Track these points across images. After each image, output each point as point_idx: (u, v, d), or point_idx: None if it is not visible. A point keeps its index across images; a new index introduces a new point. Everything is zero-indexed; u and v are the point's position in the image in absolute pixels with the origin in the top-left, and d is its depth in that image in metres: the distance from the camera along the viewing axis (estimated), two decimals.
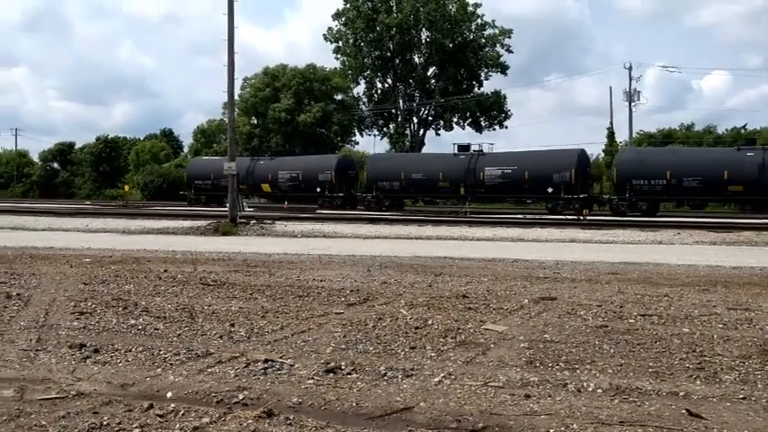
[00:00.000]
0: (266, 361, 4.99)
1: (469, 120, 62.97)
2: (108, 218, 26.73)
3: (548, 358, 5.16)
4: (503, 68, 62.05)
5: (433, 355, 5.29)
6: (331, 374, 4.71)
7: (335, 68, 63.31)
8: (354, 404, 4.11)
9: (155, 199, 54.18)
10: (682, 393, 4.32)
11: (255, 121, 62.51)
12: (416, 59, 63.19)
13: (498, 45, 61.58)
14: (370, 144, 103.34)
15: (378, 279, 9.46)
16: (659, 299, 7.87)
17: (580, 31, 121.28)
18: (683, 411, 3.95)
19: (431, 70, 63.55)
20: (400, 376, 4.68)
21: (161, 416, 3.86)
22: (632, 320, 6.60)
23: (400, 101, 63.41)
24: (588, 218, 27.42)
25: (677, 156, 35.29)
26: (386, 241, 17.92)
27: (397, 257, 12.72)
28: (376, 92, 64.98)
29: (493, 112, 62.58)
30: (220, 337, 5.87)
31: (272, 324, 6.36)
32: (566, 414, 3.92)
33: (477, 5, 60.64)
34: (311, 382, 4.56)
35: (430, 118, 63.93)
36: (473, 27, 61.41)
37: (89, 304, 7.26)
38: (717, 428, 3.71)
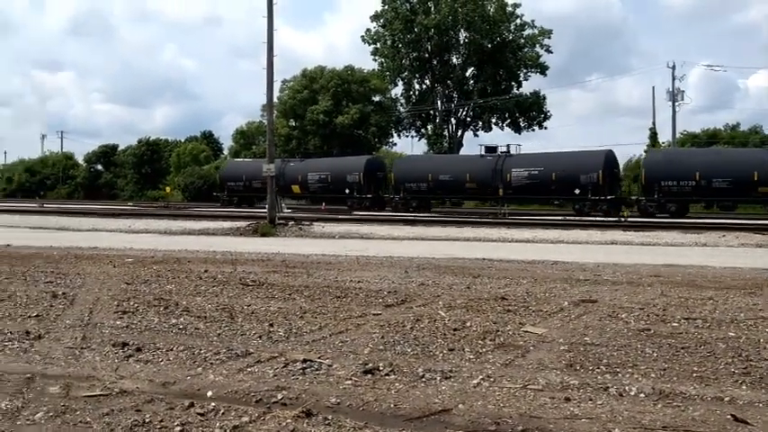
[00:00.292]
0: (305, 361, 5.02)
1: (508, 121, 62.51)
2: (150, 219, 27.16)
3: (588, 361, 5.09)
4: (542, 69, 61.42)
5: (471, 357, 5.26)
6: (369, 375, 4.71)
7: (373, 70, 63.45)
8: (392, 405, 4.10)
9: (195, 200, 54.99)
10: (727, 398, 4.22)
11: (294, 124, 62.92)
12: (454, 60, 62.92)
13: (538, 45, 60.99)
14: (407, 145, 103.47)
15: (415, 280, 9.44)
16: (703, 302, 7.71)
17: (622, 29, 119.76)
18: (729, 417, 3.86)
19: (469, 71, 63.21)
20: (438, 378, 4.66)
21: (201, 414, 3.90)
22: (676, 324, 6.48)
23: (438, 102, 63.22)
24: (629, 219, 27.01)
25: (706, 156, 34.75)
26: (423, 243, 17.89)
27: (435, 259, 12.68)
28: (414, 93, 64.86)
29: (532, 112, 61.99)
30: (259, 336, 5.92)
31: (311, 324, 6.39)
32: (607, 418, 3.86)
33: (516, 5, 60.17)
34: (349, 382, 4.56)
35: (468, 119, 63.60)
36: (512, 27, 60.91)
37: (132, 303, 7.38)
38: None
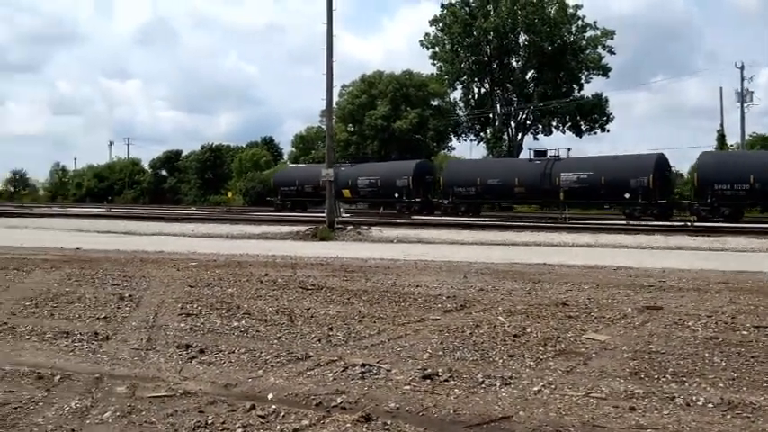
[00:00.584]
0: (364, 365, 5.03)
1: (569, 124, 61.57)
2: (212, 223, 27.71)
3: (653, 370, 4.96)
4: (604, 71, 60.24)
5: (531, 363, 5.19)
6: (428, 380, 4.69)
7: (432, 74, 63.40)
8: (452, 411, 4.07)
9: (255, 205, 55.91)
10: None
11: (352, 129, 63.33)
12: (514, 63, 62.34)
13: (600, 47, 59.91)
14: (466, 149, 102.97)
15: (475, 285, 9.37)
16: None
17: (688, 29, 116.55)
18: None
19: (529, 74, 62.51)
20: (498, 384, 4.61)
21: (262, 417, 3.95)
22: (745, 332, 6.26)
23: (497, 105, 62.73)
24: (696, 224, 26.27)
25: (761, 159, 33.45)
26: (482, 247, 17.76)
27: (495, 264, 12.57)
28: (473, 97, 64.51)
29: (594, 115, 60.93)
30: (319, 340, 5.96)
31: (369, 329, 6.41)
32: (673, 429, 3.76)
33: (577, 7, 59.29)
34: (408, 387, 4.55)
35: (528, 122, 62.92)
36: (573, 29, 60.01)
37: (195, 306, 7.53)
38: None
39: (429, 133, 60.37)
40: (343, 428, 3.76)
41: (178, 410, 4.07)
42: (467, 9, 61.10)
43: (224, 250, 15.52)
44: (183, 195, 76.28)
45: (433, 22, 62.48)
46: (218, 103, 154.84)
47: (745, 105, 52.02)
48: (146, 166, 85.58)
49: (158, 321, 6.73)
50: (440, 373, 4.84)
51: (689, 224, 26.19)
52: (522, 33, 59.68)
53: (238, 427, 3.81)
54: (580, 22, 59.83)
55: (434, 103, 62.64)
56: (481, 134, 64.88)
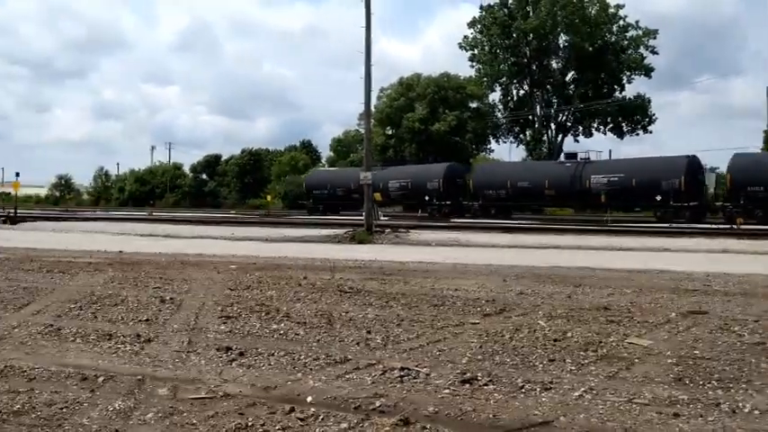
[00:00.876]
0: (402, 369, 5.01)
1: (610, 125, 60.75)
2: (251, 226, 27.98)
3: (698, 376, 4.86)
4: (647, 71, 59.23)
5: (572, 368, 5.12)
6: (467, 385, 4.66)
7: (470, 76, 63.14)
8: (491, 416, 4.04)
9: (294, 208, 56.33)
10: None
11: (390, 131, 63.39)
12: (554, 64, 61.76)
13: (642, 47, 58.97)
14: (505, 152, 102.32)
15: (514, 289, 9.29)
16: None
17: (733, 28, 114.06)
18: None
19: (569, 75, 61.87)
20: (538, 389, 4.56)
21: (302, 419, 3.97)
22: None
23: (537, 107, 62.20)
24: (742, 227, 25.68)
25: None
26: (522, 250, 17.60)
27: (535, 267, 12.45)
28: (511, 99, 64.10)
29: (636, 116, 60.00)
30: (357, 343, 5.96)
31: (408, 332, 6.39)
32: None
33: (619, 6, 58.43)
34: (447, 391, 4.53)
35: (568, 124, 62.25)
36: (615, 29, 59.20)
37: (235, 309, 7.59)
38: None
39: (467, 136, 60.11)
40: None
41: (218, 412, 4.11)
42: (505, 10, 60.74)
43: (263, 253, 15.64)
44: (222, 199, 77.15)
45: (472, 24, 62.29)
46: (258, 107, 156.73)
47: None
48: (187, 170, 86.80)
49: (199, 324, 6.81)
50: (479, 378, 4.80)
51: (735, 227, 25.62)
52: (562, 34, 59.11)
53: (278, 430, 3.83)
54: (622, 22, 59.00)
55: (473, 105, 62.37)
56: (520, 136, 64.44)
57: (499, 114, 65.06)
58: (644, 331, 6.46)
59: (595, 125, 61.10)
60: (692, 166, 34.24)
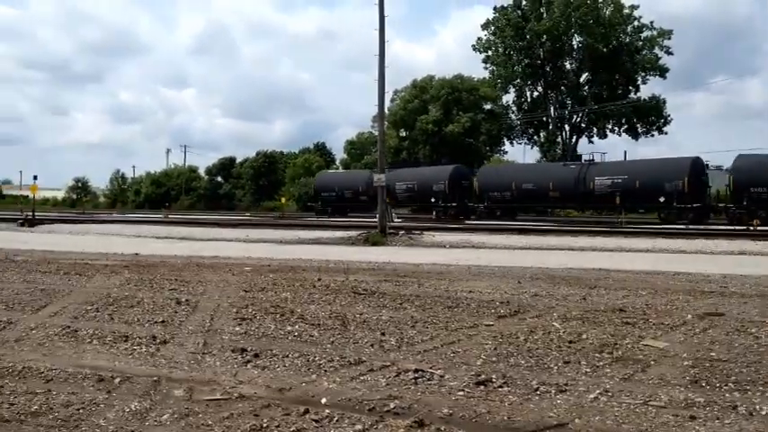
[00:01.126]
0: (416, 371, 5.02)
1: (625, 126, 60.44)
2: (266, 228, 28.04)
3: (715, 378, 4.83)
4: (662, 71, 58.93)
5: (587, 370, 5.10)
6: (482, 387, 4.66)
7: (484, 78, 63.04)
8: (506, 418, 4.03)
9: (307, 210, 56.53)
10: None
11: (404, 134, 63.39)
12: (568, 66, 61.58)
13: (657, 47, 58.62)
14: (519, 153, 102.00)
15: (529, 291, 9.26)
16: None
17: (748, 28, 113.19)
18: None
19: (583, 76, 61.62)
20: (553, 391, 4.55)
21: (316, 421, 3.98)
22: None
23: (551, 109, 61.99)
24: (759, 228, 25.46)
25: None
26: (536, 252, 17.54)
27: (549, 269, 12.41)
28: (526, 100, 63.96)
29: (651, 117, 59.67)
30: (371, 345, 5.97)
31: (422, 334, 6.39)
32: None
33: (633, 7, 58.17)
34: (462, 393, 4.53)
35: (583, 125, 61.99)
36: (629, 30, 58.92)
37: (249, 311, 7.62)
38: None
39: (481, 137, 60.03)
40: None
41: (234, 414, 4.13)
42: (519, 12, 60.62)
43: (278, 255, 15.69)
44: (237, 201, 77.41)
45: (485, 26, 62.20)
46: (273, 109, 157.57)
47: None
48: (202, 172, 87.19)
49: (214, 325, 6.84)
50: (493, 380, 4.80)
51: (751, 228, 25.41)
52: (575, 35, 58.93)
53: (292, 431, 3.84)
54: (636, 23, 58.73)
55: (487, 106, 62.28)
56: (535, 138, 64.27)
57: (513, 116, 64.99)
58: (660, 333, 6.42)
59: (610, 126, 60.87)
60: (696, 167, 34.48)
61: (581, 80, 61.76)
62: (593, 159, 38.88)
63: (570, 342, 5.99)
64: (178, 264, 13.17)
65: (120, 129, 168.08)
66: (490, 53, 62.46)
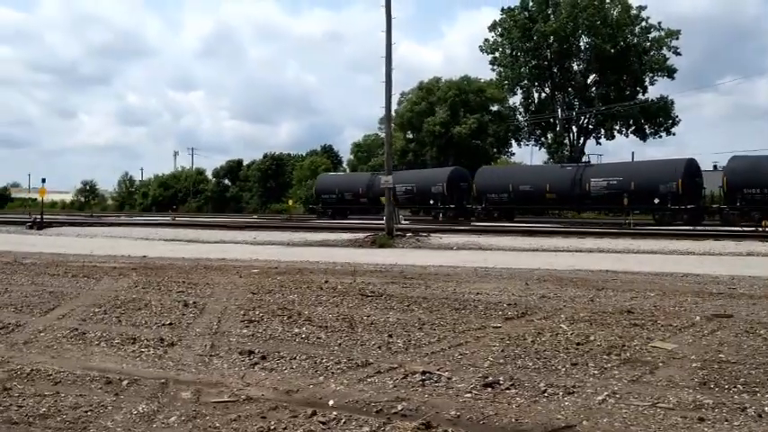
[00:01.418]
0: (424, 373, 5.01)
1: (633, 127, 60.28)
2: (273, 231, 28.07)
3: (723, 380, 4.80)
4: (670, 72, 58.78)
5: (595, 372, 5.08)
6: (489, 389, 4.64)
7: (491, 79, 63.00)
8: (513, 420, 4.02)
9: (312, 213, 56.66)
10: None
11: (411, 136, 63.40)
12: (575, 67, 61.50)
13: (665, 48, 58.45)
14: (527, 154, 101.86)
15: (536, 293, 9.24)
16: None
17: (758, 28, 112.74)
18: None
19: (591, 77, 61.57)
20: (561, 393, 4.53)
21: (324, 423, 3.98)
22: None
23: (558, 110, 61.89)
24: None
25: None
26: (543, 254, 17.51)
27: (556, 271, 12.38)
28: (533, 101, 63.87)
29: (659, 118, 59.50)
30: (379, 347, 5.96)
31: (429, 336, 6.38)
32: None
33: (641, 8, 58.07)
34: (469, 395, 4.52)
35: (590, 127, 61.88)
36: (637, 30, 58.78)
37: (257, 313, 7.62)
38: None
39: (488, 139, 59.99)
40: None
41: (241, 416, 4.14)
42: (526, 13, 60.56)
43: (285, 257, 15.70)
44: (245, 204, 77.59)
45: (492, 27, 62.19)
46: (280, 112, 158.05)
47: None
48: (209, 175, 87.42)
49: (222, 328, 6.85)
50: (501, 382, 4.78)
51: (759, 229, 25.30)
52: (583, 36, 58.83)
53: None
54: (644, 24, 58.58)
55: (494, 108, 62.24)
56: (542, 139, 64.17)
57: (520, 117, 64.91)
58: (668, 335, 6.40)
59: (617, 127, 60.74)
60: (690, 169, 34.70)
61: (588, 81, 61.71)
62: (589, 161, 39.31)
63: (578, 344, 5.97)
64: (186, 266, 13.19)
65: (128, 131, 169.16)
66: (497, 54, 62.47)
